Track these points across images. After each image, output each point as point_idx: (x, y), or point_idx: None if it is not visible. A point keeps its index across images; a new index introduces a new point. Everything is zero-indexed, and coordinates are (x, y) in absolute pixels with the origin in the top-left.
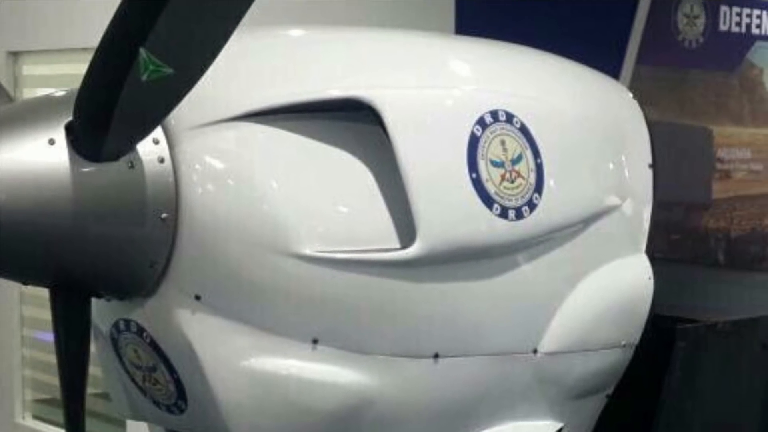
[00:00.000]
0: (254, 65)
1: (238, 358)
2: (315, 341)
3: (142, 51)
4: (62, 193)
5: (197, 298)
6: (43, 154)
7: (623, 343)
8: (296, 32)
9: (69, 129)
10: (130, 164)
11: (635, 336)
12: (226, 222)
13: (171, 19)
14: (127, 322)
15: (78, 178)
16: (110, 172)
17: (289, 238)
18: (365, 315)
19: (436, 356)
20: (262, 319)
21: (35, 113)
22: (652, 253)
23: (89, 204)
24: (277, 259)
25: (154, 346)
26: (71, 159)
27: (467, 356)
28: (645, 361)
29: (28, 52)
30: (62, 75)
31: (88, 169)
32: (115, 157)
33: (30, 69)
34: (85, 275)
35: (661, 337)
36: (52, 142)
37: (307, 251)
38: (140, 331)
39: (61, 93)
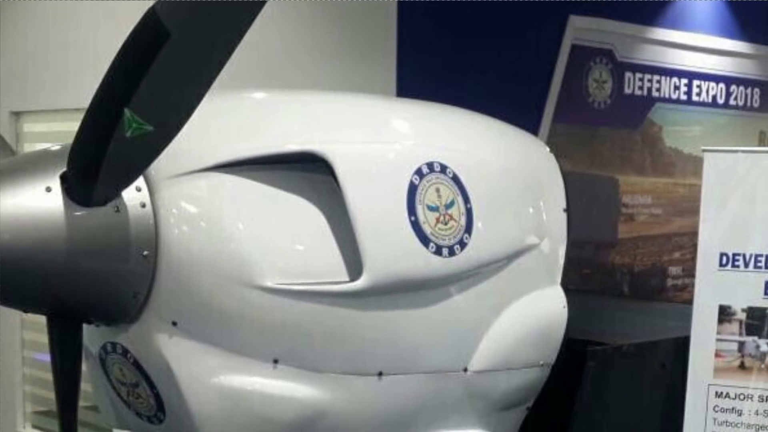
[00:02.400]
0: (223, 123)
1: (209, 375)
2: (275, 361)
3: (126, 111)
4: (57, 234)
5: (174, 324)
6: (41, 200)
7: (541, 362)
8: (259, 95)
9: (63, 178)
10: (116, 209)
11: (552, 356)
12: (199, 258)
13: (151, 84)
14: (114, 344)
15: (71, 220)
16: (99, 215)
17: (253, 272)
18: (319, 338)
19: (380, 374)
20: (230, 342)
21: (34, 165)
22: (566, 285)
23: (81, 243)
24: (243, 290)
25: (137, 365)
26: (65, 204)
27: (407, 374)
28: (560, 379)
29: (28, 112)
30: (58, 132)
31: (79, 213)
32: (103, 203)
33: (30, 126)
34: (77, 304)
35: (574, 358)
36: (48, 189)
37: (269, 283)
38: (125, 352)
39: (56, 147)
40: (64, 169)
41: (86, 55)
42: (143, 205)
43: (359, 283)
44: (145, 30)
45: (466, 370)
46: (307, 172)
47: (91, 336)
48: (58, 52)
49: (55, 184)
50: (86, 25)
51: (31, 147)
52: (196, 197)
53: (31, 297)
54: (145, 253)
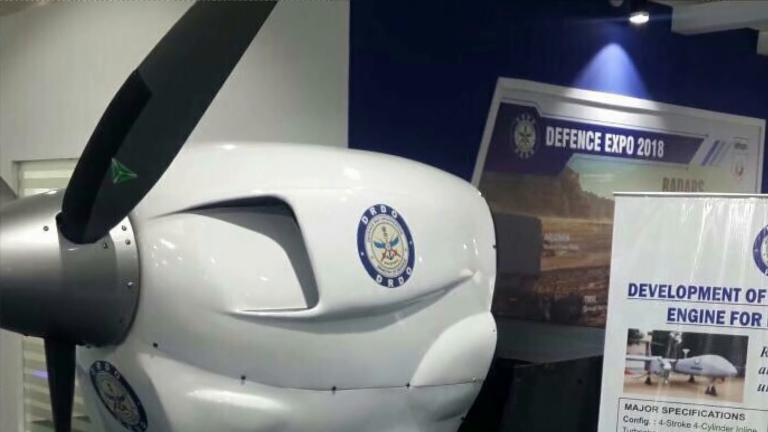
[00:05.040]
0: (198, 171)
1: (185, 390)
2: (243, 377)
3: (113, 160)
4: (53, 267)
5: (155, 345)
6: (39, 238)
7: (474, 378)
8: (228, 146)
9: (59, 219)
10: (104, 245)
11: (483, 373)
12: (177, 288)
13: (135, 137)
14: (103, 363)
15: (65, 255)
16: (90, 251)
17: (223, 300)
18: (281, 358)
19: (334, 389)
20: (204, 360)
21: (33, 207)
22: (495, 311)
23: (74, 275)
24: (215, 316)
25: (123, 381)
26: (60, 241)
27: (357, 389)
28: (490, 393)
29: (28, 161)
30: (54, 178)
31: (73, 249)
32: (93, 240)
33: (30, 174)
34: (71, 328)
35: (503, 375)
36: (46, 228)
37: (237, 310)
38: (112, 370)
39: (52, 192)
40: (60, 210)
41: (78, 112)
42: (128, 242)
43: (315, 310)
44: (130, 90)
45: (408, 385)
46: (270, 213)
47: (83, 356)
48: (54, 110)
49: (52, 224)
50: (78, 86)
51: (30, 192)
52: (174, 235)
53: (31, 322)
54: (130, 283)
